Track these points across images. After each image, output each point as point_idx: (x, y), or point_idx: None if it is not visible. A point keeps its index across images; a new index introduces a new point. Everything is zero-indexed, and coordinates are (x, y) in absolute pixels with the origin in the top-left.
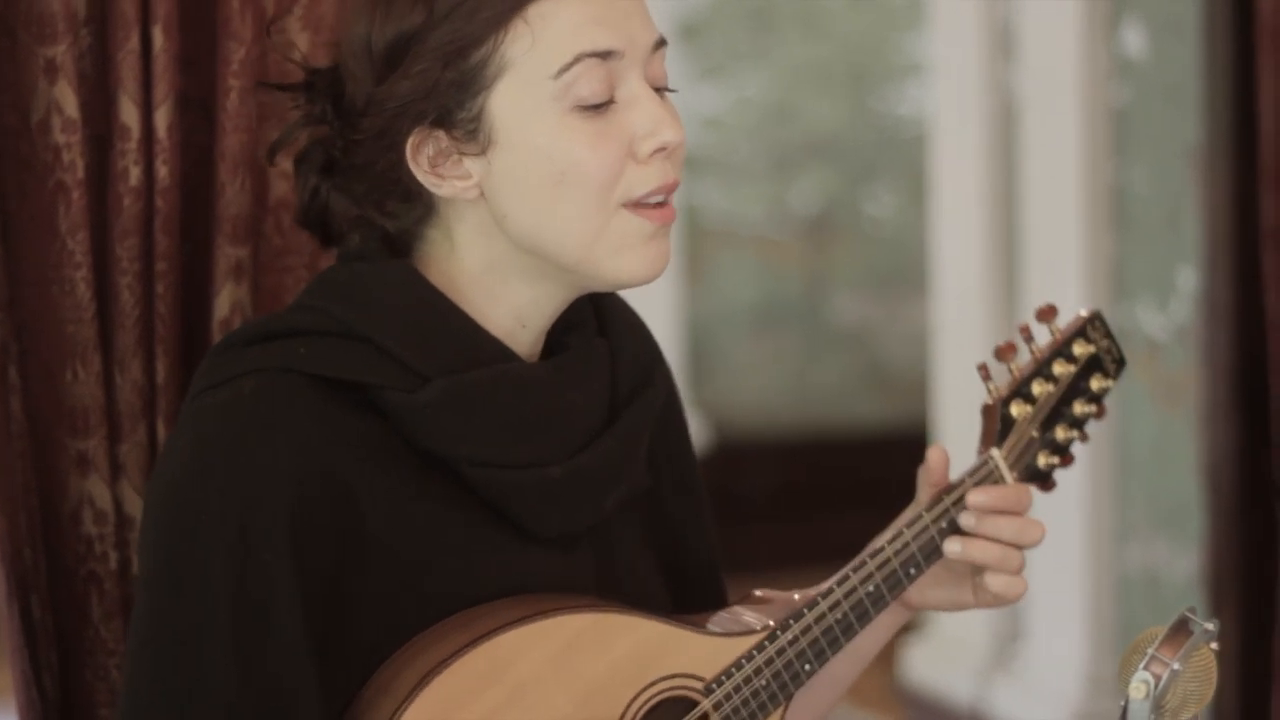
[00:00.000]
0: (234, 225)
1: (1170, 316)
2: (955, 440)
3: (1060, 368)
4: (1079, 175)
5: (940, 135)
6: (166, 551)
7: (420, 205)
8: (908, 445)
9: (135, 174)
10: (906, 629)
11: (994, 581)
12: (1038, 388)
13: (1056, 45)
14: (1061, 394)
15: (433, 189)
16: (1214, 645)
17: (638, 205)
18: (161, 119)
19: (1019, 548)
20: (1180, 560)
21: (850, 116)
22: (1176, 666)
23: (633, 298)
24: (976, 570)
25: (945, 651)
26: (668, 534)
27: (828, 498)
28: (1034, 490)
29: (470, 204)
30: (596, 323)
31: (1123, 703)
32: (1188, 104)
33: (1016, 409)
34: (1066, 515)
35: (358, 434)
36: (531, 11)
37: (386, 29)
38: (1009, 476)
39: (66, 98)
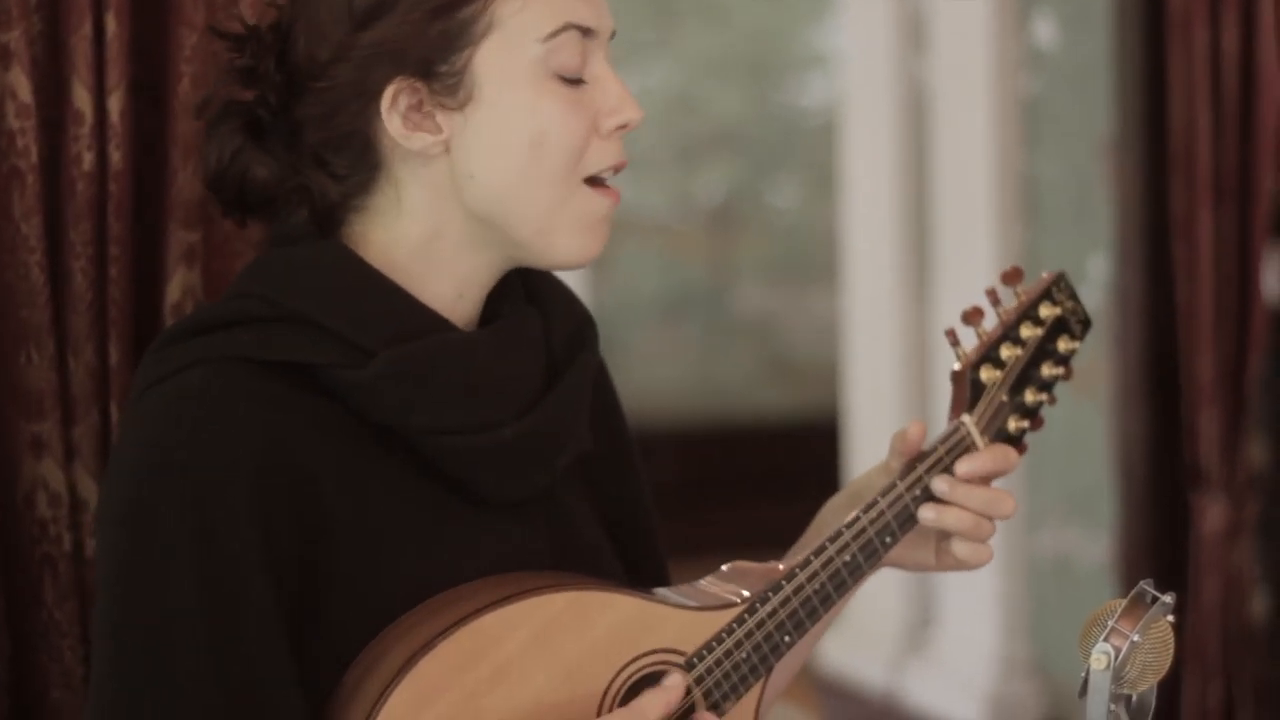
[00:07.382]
0: (186, 210)
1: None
2: (868, 427)
3: (1027, 330)
4: (989, 165)
5: (850, 126)
6: (130, 547)
7: (368, 164)
8: (810, 435)
9: (89, 159)
10: None
11: (961, 549)
12: (1006, 351)
13: (967, 36)
14: (1029, 357)
15: (401, 140)
16: (1170, 617)
17: (594, 182)
18: (114, 105)
19: (990, 518)
20: (1091, 546)
21: (753, 107)
22: (1136, 638)
23: None
24: (943, 535)
25: (858, 639)
26: (609, 500)
27: (731, 487)
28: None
29: (429, 163)
30: (525, 292)
31: (1083, 673)
32: (1098, 94)
33: (986, 374)
34: None
35: (309, 415)
36: None
37: None
38: (980, 442)
39: (20, 83)
